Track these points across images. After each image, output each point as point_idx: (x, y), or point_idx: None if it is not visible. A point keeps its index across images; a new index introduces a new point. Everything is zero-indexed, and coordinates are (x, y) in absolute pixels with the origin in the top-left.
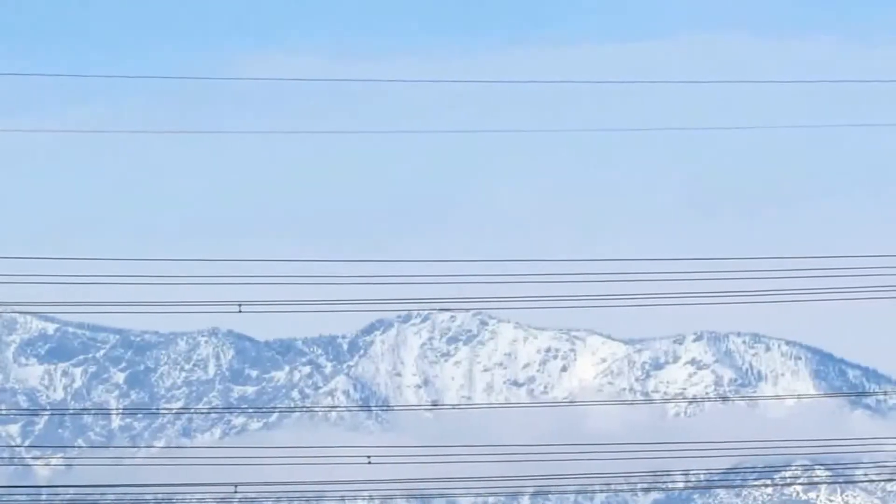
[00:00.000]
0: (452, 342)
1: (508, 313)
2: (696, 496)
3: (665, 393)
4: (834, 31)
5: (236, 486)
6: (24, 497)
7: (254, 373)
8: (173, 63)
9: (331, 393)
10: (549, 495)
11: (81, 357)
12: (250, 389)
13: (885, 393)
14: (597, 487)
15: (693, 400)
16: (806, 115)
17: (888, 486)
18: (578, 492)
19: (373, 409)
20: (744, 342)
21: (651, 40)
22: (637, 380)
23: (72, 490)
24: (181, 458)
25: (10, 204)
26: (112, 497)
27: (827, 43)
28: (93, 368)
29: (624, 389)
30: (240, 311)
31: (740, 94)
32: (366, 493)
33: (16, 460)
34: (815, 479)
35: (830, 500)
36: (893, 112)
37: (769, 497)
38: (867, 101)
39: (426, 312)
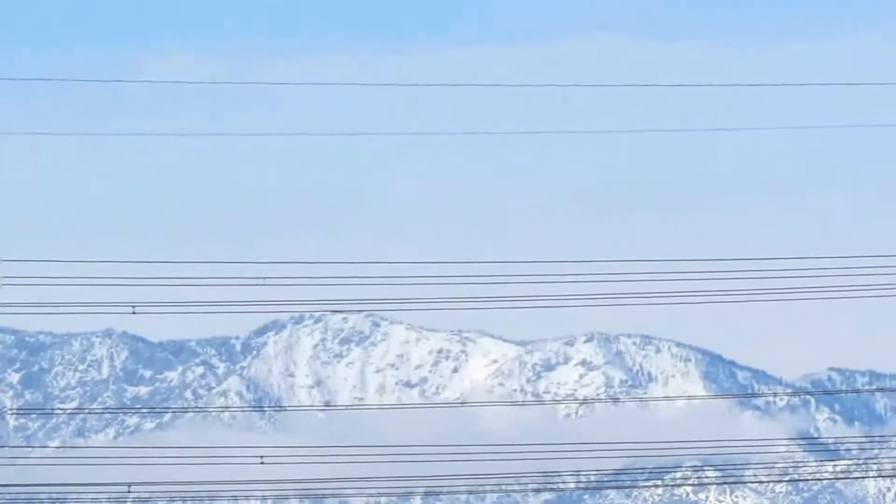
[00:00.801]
0: (345, 343)
1: (400, 315)
2: (586, 497)
3: (556, 394)
4: (713, 34)
5: (129, 485)
6: None
7: (147, 373)
8: (70, 64)
9: (224, 393)
10: (441, 496)
11: None
12: (144, 390)
13: (775, 394)
14: (488, 488)
15: (584, 401)
16: (695, 117)
17: (777, 487)
18: (470, 492)
19: (266, 409)
20: (634, 343)
21: (536, 43)
22: (528, 381)
23: None
24: (75, 457)
25: None
26: (6, 497)
27: (707, 46)
28: None
29: (515, 390)
30: (133, 313)
31: (626, 95)
32: (259, 494)
33: None
34: (705, 480)
35: (720, 501)
36: (778, 114)
37: (659, 498)
38: (747, 102)
39: (319, 314)
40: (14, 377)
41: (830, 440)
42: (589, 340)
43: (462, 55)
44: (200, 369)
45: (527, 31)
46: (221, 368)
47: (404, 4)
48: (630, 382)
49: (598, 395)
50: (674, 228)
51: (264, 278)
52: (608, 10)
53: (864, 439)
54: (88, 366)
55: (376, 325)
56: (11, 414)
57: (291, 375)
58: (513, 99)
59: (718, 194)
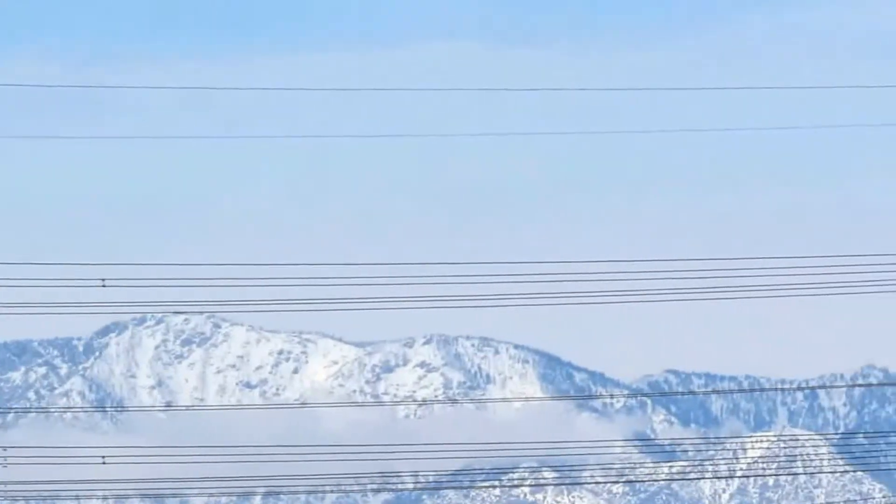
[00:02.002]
0: (186, 344)
1: (241, 316)
2: (425, 497)
3: (395, 395)
4: (562, 40)
5: None
6: None
7: None
8: None
9: (66, 394)
10: (281, 495)
11: None
12: None
13: (612, 396)
14: (328, 488)
15: (422, 402)
16: (544, 122)
17: (614, 488)
18: (309, 492)
19: (108, 409)
20: (473, 345)
21: (385, 49)
22: (367, 382)
23: None
24: None
25: None
26: None
27: (555, 52)
28: None
29: (354, 391)
30: None
31: (475, 101)
32: (100, 493)
33: None
34: (543, 481)
35: (557, 502)
36: (629, 119)
37: (497, 498)
38: (601, 108)
39: (160, 315)
40: None
41: (667, 441)
42: (428, 342)
43: (311, 60)
44: (43, 370)
45: (377, 37)
46: (64, 369)
47: (255, 10)
48: (468, 384)
49: (436, 396)
50: (513, 231)
51: (106, 279)
52: (458, 18)
53: (699, 441)
54: None
55: (217, 326)
56: None
57: (133, 376)
58: (363, 104)
59: (564, 198)
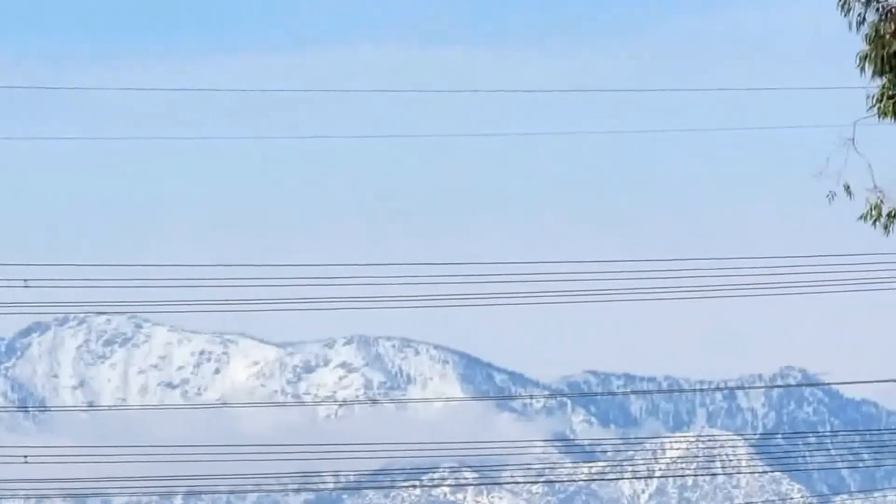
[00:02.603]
0: (108, 344)
1: (163, 317)
2: (345, 497)
3: (316, 395)
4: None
5: None
6: None
7: None
8: None
9: None
10: (202, 495)
11: None
12: None
13: (531, 396)
14: (249, 488)
15: (343, 402)
16: (484, 124)
17: (534, 488)
18: (230, 492)
19: (30, 409)
20: (393, 346)
21: (309, 53)
22: (289, 382)
23: None
24: None
25: None
26: None
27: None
28: None
29: (276, 392)
30: None
31: (405, 103)
32: (22, 493)
33: None
34: (463, 481)
35: (477, 502)
36: (565, 120)
37: (417, 498)
38: (509, 108)
39: (83, 315)
40: None
41: (586, 442)
42: (349, 343)
43: (235, 62)
44: None
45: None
46: None
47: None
48: (389, 384)
49: (357, 396)
50: (436, 232)
51: (28, 280)
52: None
53: (619, 441)
54: None
55: (139, 326)
56: None
57: (55, 376)
58: (292, 106)
59: (492, 200)
